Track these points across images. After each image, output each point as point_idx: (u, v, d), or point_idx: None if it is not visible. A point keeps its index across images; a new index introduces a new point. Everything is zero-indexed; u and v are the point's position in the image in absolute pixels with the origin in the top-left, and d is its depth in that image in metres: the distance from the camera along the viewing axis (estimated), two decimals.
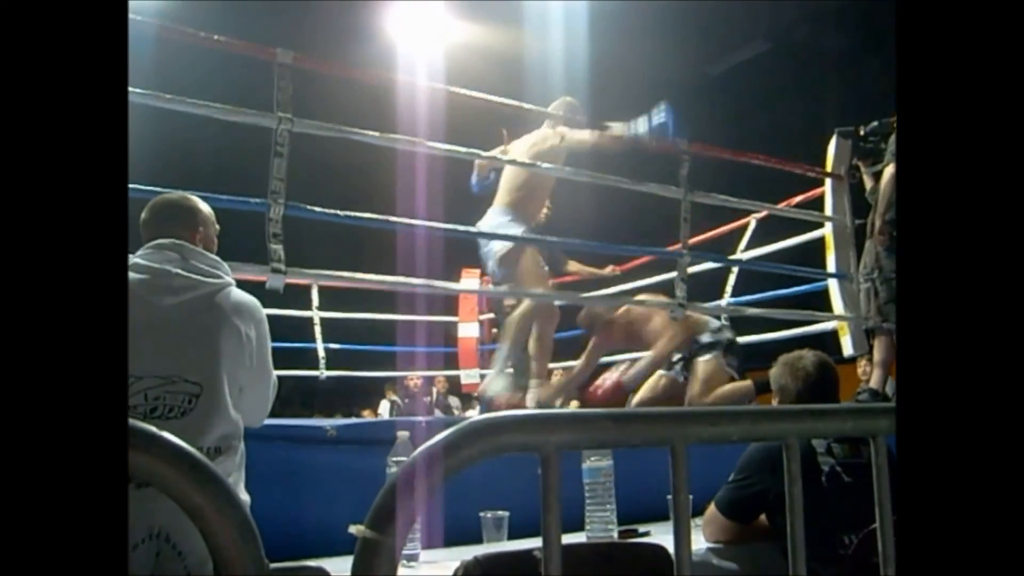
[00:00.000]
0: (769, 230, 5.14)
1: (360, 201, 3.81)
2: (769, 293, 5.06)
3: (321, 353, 6.26)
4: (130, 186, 2.46)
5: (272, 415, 2.14)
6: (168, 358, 1.76)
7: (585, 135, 3.93)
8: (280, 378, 2.10)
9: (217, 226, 2.12)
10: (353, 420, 4.59)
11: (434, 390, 7.75)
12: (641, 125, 3.70)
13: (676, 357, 4.39)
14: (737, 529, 2.22)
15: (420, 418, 4.19)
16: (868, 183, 4.79)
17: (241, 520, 0.77)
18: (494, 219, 4.07)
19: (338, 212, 3.06)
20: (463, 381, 6.67)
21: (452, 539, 2.28)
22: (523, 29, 8.20)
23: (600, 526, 2.21)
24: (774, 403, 2.37)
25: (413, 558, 2.03)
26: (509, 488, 2.18)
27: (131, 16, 2.53)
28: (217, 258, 1.98)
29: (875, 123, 4.74)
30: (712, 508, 2.24)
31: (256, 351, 1.93)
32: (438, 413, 7.41)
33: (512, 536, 2.34)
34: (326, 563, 0.81)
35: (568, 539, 0.84)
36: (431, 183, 5.20)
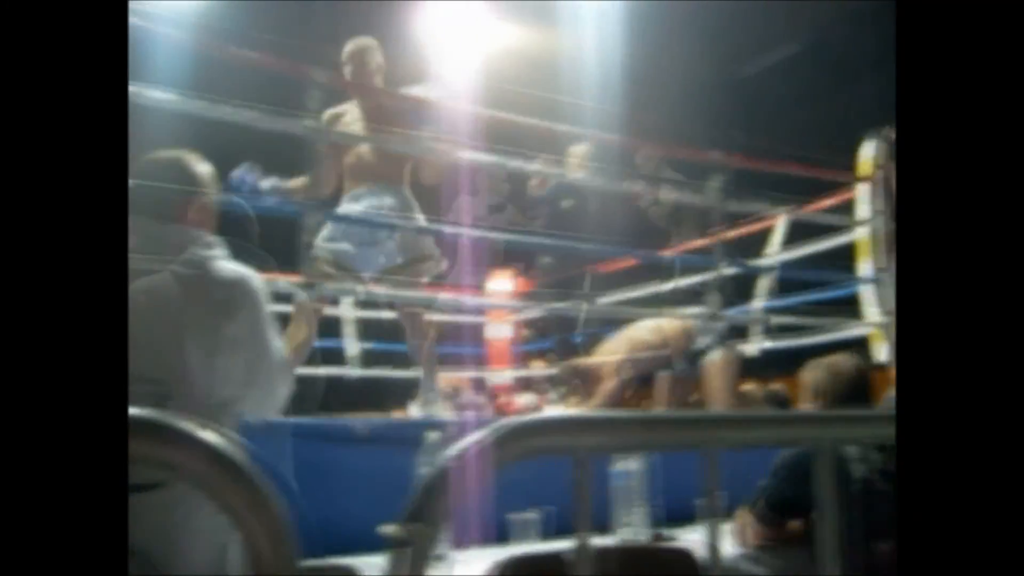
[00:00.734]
0: (795, 233, 5.09)
1: None
2: (799, 298, 5.01)
3: (353, 352, 6.30)
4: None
5: (303, 413, 2.14)
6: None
7: None
8: (313, 377, 2.10)
9: (215, 199, 1.92)
10: (386, 419, 4.61)
11: (464, 390, 7.75)
12: None
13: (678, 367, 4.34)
14: (769, 533, 2.20)
15: (453, 418, 4.19)
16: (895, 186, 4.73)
17: (274, 517, 0.77)
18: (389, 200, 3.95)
19: (371, 216, 3.08)
20: (494, 382, 6.66)
21: (481, 539, 2.28)
22: (555, 30, 8.19)
23: (629, 529, 2.20)
24: (808, 407, 2.34)
25: (443, 558, 2.03)
26: (535, 488, 2.18)
27: (166, 28, 2.58)
28: (199, 232, 1.75)
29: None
30: (744, 512, 2.23)
31: (249, 335, 1.71)
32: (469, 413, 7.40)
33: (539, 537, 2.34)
34: (355, 561, 0.82)
35: (596, 541, 0.84)
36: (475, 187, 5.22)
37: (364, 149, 3.58)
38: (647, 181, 4.17)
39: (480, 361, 6.94)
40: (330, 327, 6.17)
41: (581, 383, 4.36)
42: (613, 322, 4.71)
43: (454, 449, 0.79)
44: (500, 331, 6.59)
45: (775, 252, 5.24)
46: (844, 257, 4.79)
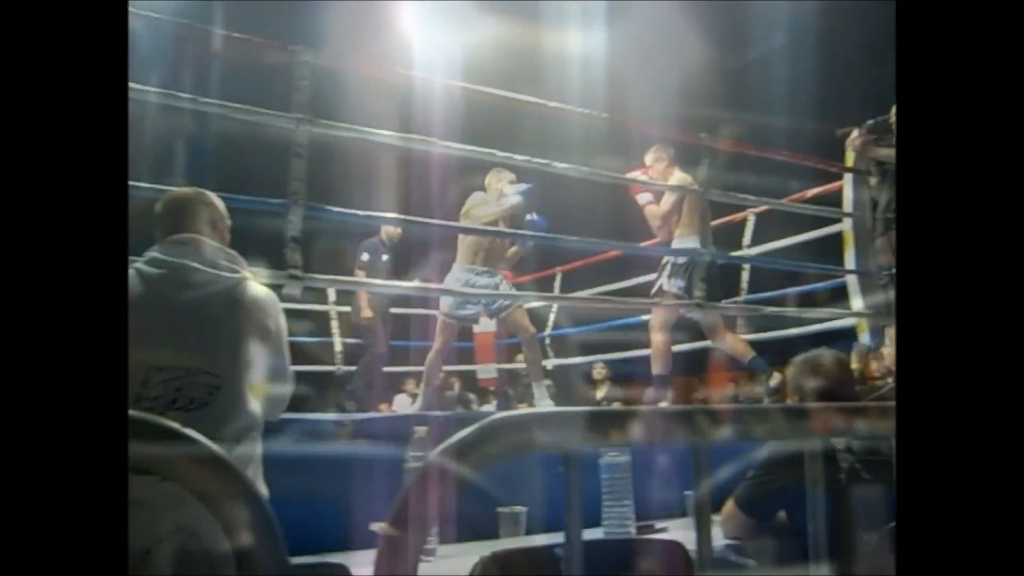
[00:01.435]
0: (781, 224, 5.12)
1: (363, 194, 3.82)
2: (785, 290, 5.05)
3: (338, 348, 6.30)
4: (142, 184, 2.49)
5: (289, 409, 2.15)
6: (188, 351, 1.77)
7: (488, 212, 4.59)
8: (297, 373, 2.11)
9: (229, 222, 2.12)
10: (372, 415, 4.61)
11: (453, 385, 7.77)
12: (513, 198, 4.50)
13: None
14: (756, 525, 2.21)
15: (439, 413, 4.21)
16: (872, 180, 4.74)
17: (263, 516, 0.77)
18: (484, 280, 4.63)
19: (357, 212, 3.06)
20: (479, 376, 6.68)
21: (469, 534, 2.28)
22: (540, 23, 8.19)
23: (617, 522, 2.21)
24: (791, 401, 2.36)
25: (431, 552, 2.04)
26: (523, 482, 2.18)
27: (148, 14, 2.56)
28: (234, 252, 1.99)
29: (871, 121, 4.69)
30: (731, 504, 2.24)
31: (274, 344, 1.94)
32: (458, 408, 7.42)
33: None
34: (344, 557, 0.82)
35: (585, 534, 0.84)
36: (446, 182, 5.23)
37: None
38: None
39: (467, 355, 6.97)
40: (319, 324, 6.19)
41: None
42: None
43: (444, 444, 0.79)
44: (485, 326, 6.60)
45: (748, 244, 5.29)
46: (830, 248, 4.83)
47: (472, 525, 2.28)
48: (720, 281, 4.67)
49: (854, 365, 4.20)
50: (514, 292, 4.64)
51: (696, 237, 4.46)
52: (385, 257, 6.16)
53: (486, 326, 6.57)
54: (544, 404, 4.48)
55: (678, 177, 4.52)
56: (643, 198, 4.64)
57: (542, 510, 2.34)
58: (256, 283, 1.98)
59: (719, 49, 9.38)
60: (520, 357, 7.36)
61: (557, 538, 0.82)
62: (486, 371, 6.52)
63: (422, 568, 0.75)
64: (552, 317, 6.92)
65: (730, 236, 5.44)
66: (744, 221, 5.49)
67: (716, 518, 2.27)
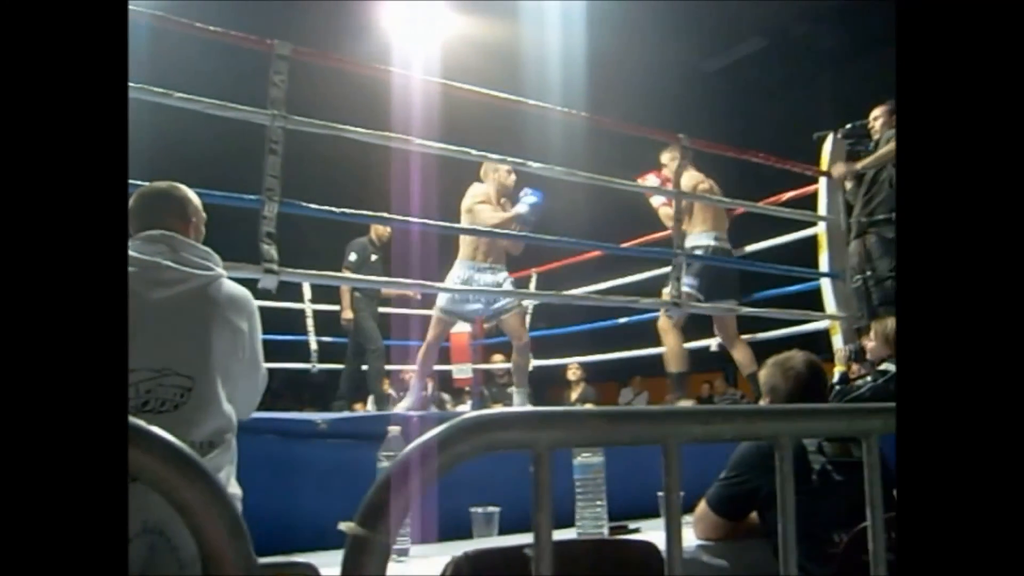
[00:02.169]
0: (758, 227, 5.15)
1: (357, 194, 3.81)
2: (765, 292, 5.08)
3: (313, 346, 6.27)
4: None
5: (263, 408, 2.13)
6: (159, 351, 1.74)
7: (489, 215, 4.50)
8: (271, 371, 2.09)
9: (204, 215, 2.09)
10: (344, 414, 4.59)
11: (428, 385, 7.75)
12: (520, 208, 4.43)
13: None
14: (728, 526, 2.23)
15: (412, 413, 4.20)
16: (848, 185, 4.79)
17: (230, 516, 0.76)
18: (487, 277, 4.55)
19: (333, 209, 3.05)
20: (455, 376, 6.67)
21: (443, 534, 2.28)
22: (520, 24, 8.19)
23: (590, 522, 2.21)
24: (764, 403, 2.37)
25: (403, 553, 2.03)
26: (500, 483, 2.18)
27: (134, 8, 2.54)
28: (208, 249, 1.95)
29: (849, 126, 4.74)
30: (703, 505, 2.25)
31: (248, 343, 1.91)
32: (432, 408, 7.41)
33: (502, 531, 2.34)
34: (316, 558, 0.81)
35: (558, 535, 0.84)
36: (426, 178, 5.22)
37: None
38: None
39: (443, 355, 6.95)
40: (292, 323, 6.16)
41: None
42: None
43: (412, 444, 0.78)
44: (460, 326, 6.59)
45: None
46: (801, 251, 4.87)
47: (445, 524, 2.27)
48: (739, 279, 4.71)
49: (839, 368, 4.25)
50: (516, 290, 4.59)
51: (711, 233, 4.50)
52: (374, 257, 6.08)
53: (461, 326, 6.56)
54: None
55: (692, 176, 4.57)
56: (657, 199, 4.66)
57: (516, 511, 2.34)
58: (230, 281, 1.95)
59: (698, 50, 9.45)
60: (496, 358, 7.38)
61: (531, 538, 0.82)
62: (462, 371, 6.51)
63: (396, 568, 0.75)
64: (528, 319, 6.93)
65: None
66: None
67: (688, 519, 2.28)
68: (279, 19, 6.32)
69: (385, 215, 3.49)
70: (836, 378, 4.20)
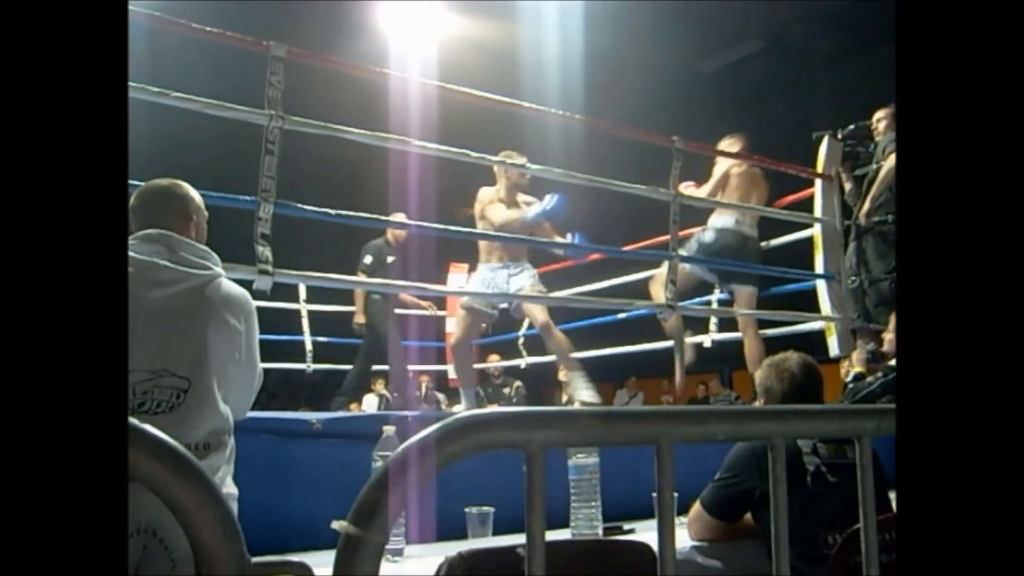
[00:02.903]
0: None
1: (355, 194, 3.82)
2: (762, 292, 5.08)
3: (308, 346, 6.27)
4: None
5: (258, 407, 2.13)
6: (156, 352, 1.73)
7: (498, 216, 4.47)
8: (266, 371, 2.09)
9: (206, 213, 2.09)
10: (339, 414, 4.59)
11: (422, 385, 7.75)
12: (536, 208, 4.32)
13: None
14: (722, 527, 2.23)
15: (407, 412, 4.20)
16: (848, 186, 4.80)
17: (223, 515, 0.76)
18: (523, 280, 4.57)
19: (329, 211, 3.05)
20: (450, 376, 6.67)
21: (438, 534, 2.28)
22: (518, 25, 8.19)
23: (585, 523, 2.21)
24: (759, 404, 2.38)
25: (398, 553, 2.03)
26: (495, 483, 2.18)
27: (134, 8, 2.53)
28: (207, 249, 1.94)
29: (852, 127, 4.76)
30: (697, 506, 2.25)
31: (245, 344, 1.91)
32: (426, 408, 7.41)
33: (497, 532, 2.34)
34: (310, 557, 0.81)
35: (552, 535, 0.84)
36: (424, 180, 5.21)
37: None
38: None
39: (439, 355, 6.96)
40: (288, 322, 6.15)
41: None
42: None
43: (406, 443, 0.78)
44: (454, 326, 6.59)
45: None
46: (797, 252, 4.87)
47: (439, 524, 2.28)
48: (761, 261, 4.71)
49: (857, 368, 4.27)
50: (510, 294, 4.60)
51: (733, 216, 4.54)
52: (391, 259, 6.03)
53: (455, 326, 6.57)
54: (587, 395, 4.42)
55: (726, 161, 4.67)
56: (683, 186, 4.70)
57: (511, 511, 2.34)
58: (228, 280, 1.94)
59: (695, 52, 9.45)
60: (492, 358, 7.39)
61: (524, 539, 0.82)
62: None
63: (390, 568, 0.75)
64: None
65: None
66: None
67: (683, 520, 2.28)
68: (276, 20, 6.32)
69: (381, 217, 3.49)
70: (850, 376, 4.25)
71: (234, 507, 1.71)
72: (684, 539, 2.25)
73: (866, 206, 4.47)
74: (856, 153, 4.78)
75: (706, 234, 4.66)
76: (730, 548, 2.24)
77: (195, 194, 2.05)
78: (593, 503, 2.22)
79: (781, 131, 5.08)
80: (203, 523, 0.75)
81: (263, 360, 2.03)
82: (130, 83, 2.59)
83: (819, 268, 4.63)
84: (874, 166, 4.56)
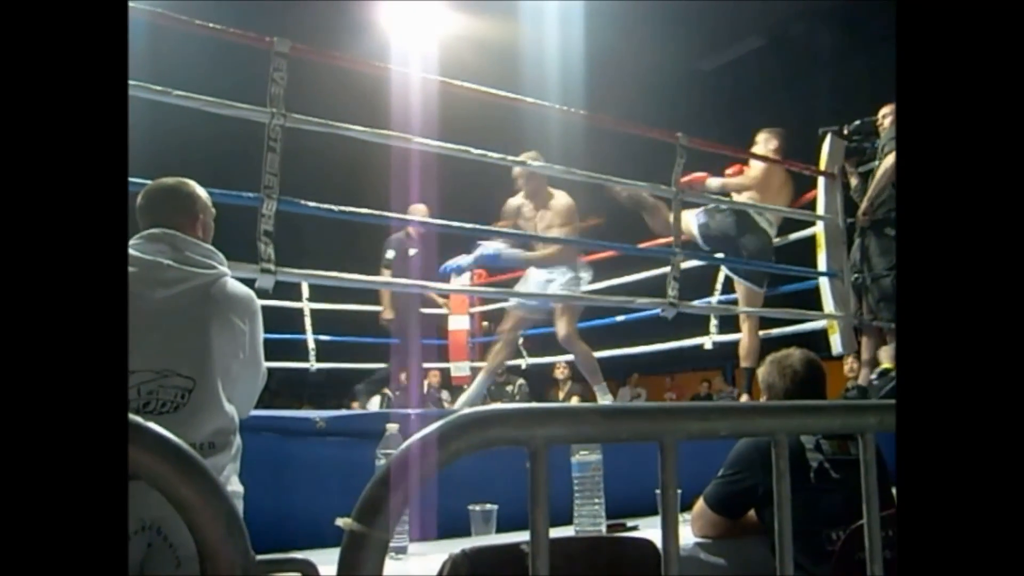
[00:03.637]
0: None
1: (358, 190, 3.81)
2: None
3: (311, 345, 6.27)
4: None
5: (261, 406, 2.13)
6: (161, 352, 1.73)
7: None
8: (270, 369, 2.09)
9: (213, 211, 2.08)
10: (342, 412, 4.59)
11: (425, 383, 7.74)
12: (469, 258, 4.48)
13: None
14: (725, 524, 2.23)
15: (410, 411, 4.20)
16: (853, 182, 4.79)
17: (228, 513, 0.76)
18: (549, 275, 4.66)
19: (332, 207, 3.05)
20: (453, 374, 6.68)
21: (441, 532, 2.28)
22: (519, 23, 8.19)
23: (588, 520, 2.21)
24: (762, 400, 2.38)
25: (402, 551, 2.03)
26: (498, 481, 2.18)
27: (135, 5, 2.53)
28: (212, 248, 1.94)
29: (857, 122, 4.75)
30: (701, 503, 2.25)
31: (249, 343, 1.91)
32: (430, 406, 7.41)
33: (500, 529, 2.34)
34: (314, 555, 0.81)
35: (556, 533, 0.84)
36: (426, 176, 5.21)
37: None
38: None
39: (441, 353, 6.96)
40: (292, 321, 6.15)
41: None
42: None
43: (409, 441, 0.78)
44: (459, 323, 6.59)
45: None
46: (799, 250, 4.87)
47: (443, 522, 2.28)
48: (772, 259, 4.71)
49: (885, 364, 4.29)
50: (509, 291, 4.66)
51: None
52: (412, 252, 5.99)
53: (460, 323, 6.56)
54: None
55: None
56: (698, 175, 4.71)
57: (515, 509, 2.34)
58: (233, 280, 1.94)
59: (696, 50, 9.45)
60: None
61: (528, 536, 0.82)
62: (459, 369, 6.51)
63: (394, 566, 0.75)
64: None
65: None
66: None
67: (686, 517, 2.28)
68: (278, 17, 6.32)
69: (385, 214, 3.49)
70: (876, 374, 4.28)
71: (239, 505, 1.71)
72: (688, 536, 2.25)
73: (867, 203, 4.47)
74: (862, 149, 4.77)
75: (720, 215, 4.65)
76: (734, 545, 2.24)
77: (202, 192, 2.05)
78: (596, 500, 2.21)
79: (781, 128, 5.06)
80: (208, 521, 0.75)
81: (266, 359, 2.03)
82: (131, 81, 2.60)
83: (822, 266, 4.63)
84: (878, 162, 4.56)
